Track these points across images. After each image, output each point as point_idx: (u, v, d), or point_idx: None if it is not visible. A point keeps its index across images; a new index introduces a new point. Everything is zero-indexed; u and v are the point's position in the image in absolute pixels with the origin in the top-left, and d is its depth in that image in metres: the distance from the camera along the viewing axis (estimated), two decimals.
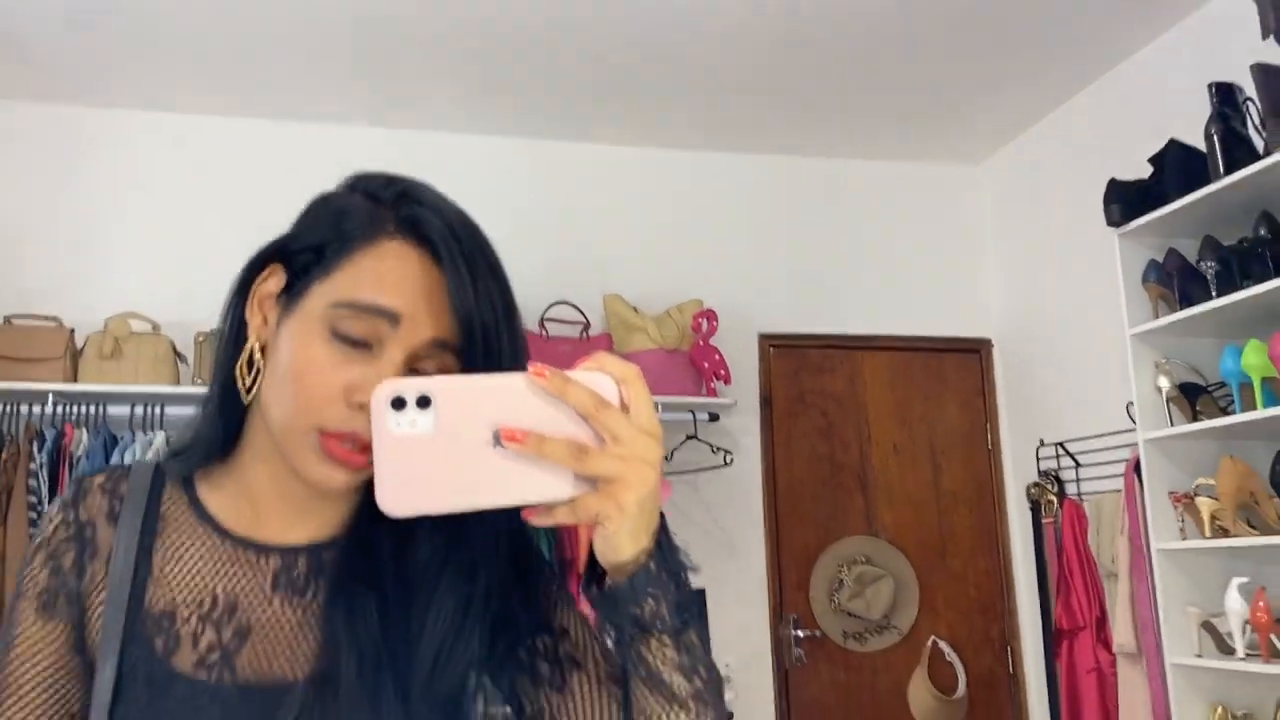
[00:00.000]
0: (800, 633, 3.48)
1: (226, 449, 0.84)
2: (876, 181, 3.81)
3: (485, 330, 0.75)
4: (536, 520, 0.66)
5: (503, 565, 0.78)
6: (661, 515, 0.68)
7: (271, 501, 0.82)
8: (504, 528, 0.77)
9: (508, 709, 0.79)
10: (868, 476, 3.64)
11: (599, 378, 0.66)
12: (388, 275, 0.75)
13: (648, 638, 0.69)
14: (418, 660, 0.76)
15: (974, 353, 3.76)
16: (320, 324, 0.75)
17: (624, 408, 0.66)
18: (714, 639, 3.33)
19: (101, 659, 0.77)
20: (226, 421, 0.82)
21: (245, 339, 0.80)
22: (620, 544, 0.66)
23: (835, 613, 3.53)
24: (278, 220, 2.52)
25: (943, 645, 3.57)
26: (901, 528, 3.62)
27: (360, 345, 0.74)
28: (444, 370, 0.75)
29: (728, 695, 3.19)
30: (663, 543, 0.68)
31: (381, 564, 0.79)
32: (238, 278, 0.82)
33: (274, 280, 0.80)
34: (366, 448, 0.71)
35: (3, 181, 3.16)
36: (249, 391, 0.79)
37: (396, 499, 0.64)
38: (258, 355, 0.79)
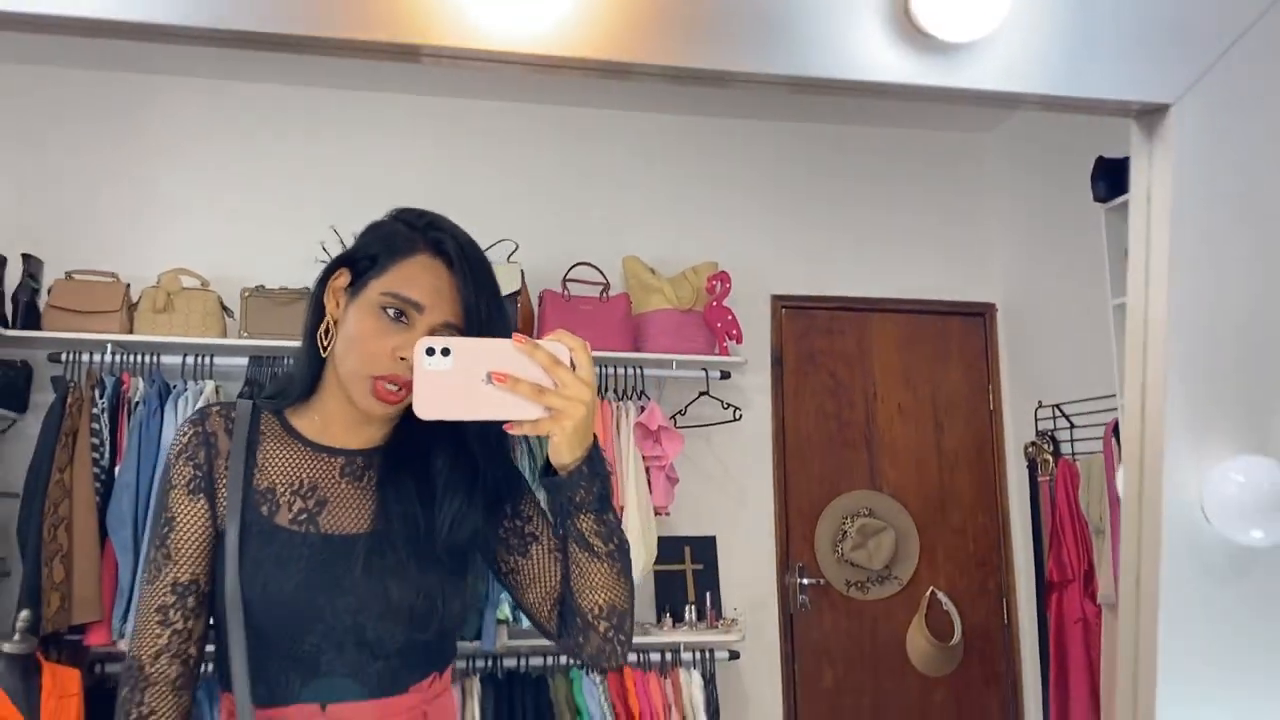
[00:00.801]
0: (805, 580, 3.68)
1: (309, 390, 1.25)
2: (888, 148, 3.94)
3: (480, 315, 1.17)
4: (512, 431, 1.07)
5: (492, 469, 1.20)
6: (595, 436, 1.09)
7: (337, 421, 1.24)
8: (494, 444, 1.20)
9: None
10: (873, 434, 3.82)
11: (558, 345, 1.05)
12: (418, 278, 1.18)
13: (579, 514, 1.11)
14: (439, 524, 1.18)
15: (978, 316, 3.91)
16: (374, 306, 1.17)
17: (571, 366, 1.05)
18: (723, 584, 3.54)
19: (229, 522, 1.17)
20: (311, 371, 1.24)
21: (323, 316, 1.23)
22: (562, 451, 1.07)
23: (839, 563, 3.72)
24: (316, 184, 2.88)
25: (940, 595, 3.75)
26: (904, 483, 3.80)
27: (399, 321, 1.16)
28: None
29: (735, 635, 3.39)
30: (594, 455, 1.09)
31: (412, 462, 1.22)
32: (319, 276, 1.25)
33: (343, 278, 1.22)
34: (403, 386, 1.16)
35: (64, 146, 3.36)
36: (325, 350, 1.22)
37: (426, 409, 1.04)
38: (332, 327, 1.22)
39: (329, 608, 1.15)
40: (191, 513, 1.19)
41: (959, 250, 3.94)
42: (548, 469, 1.11)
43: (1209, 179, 0.71)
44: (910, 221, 3.90)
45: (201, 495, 1.19)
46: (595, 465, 1.09)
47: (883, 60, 0.67)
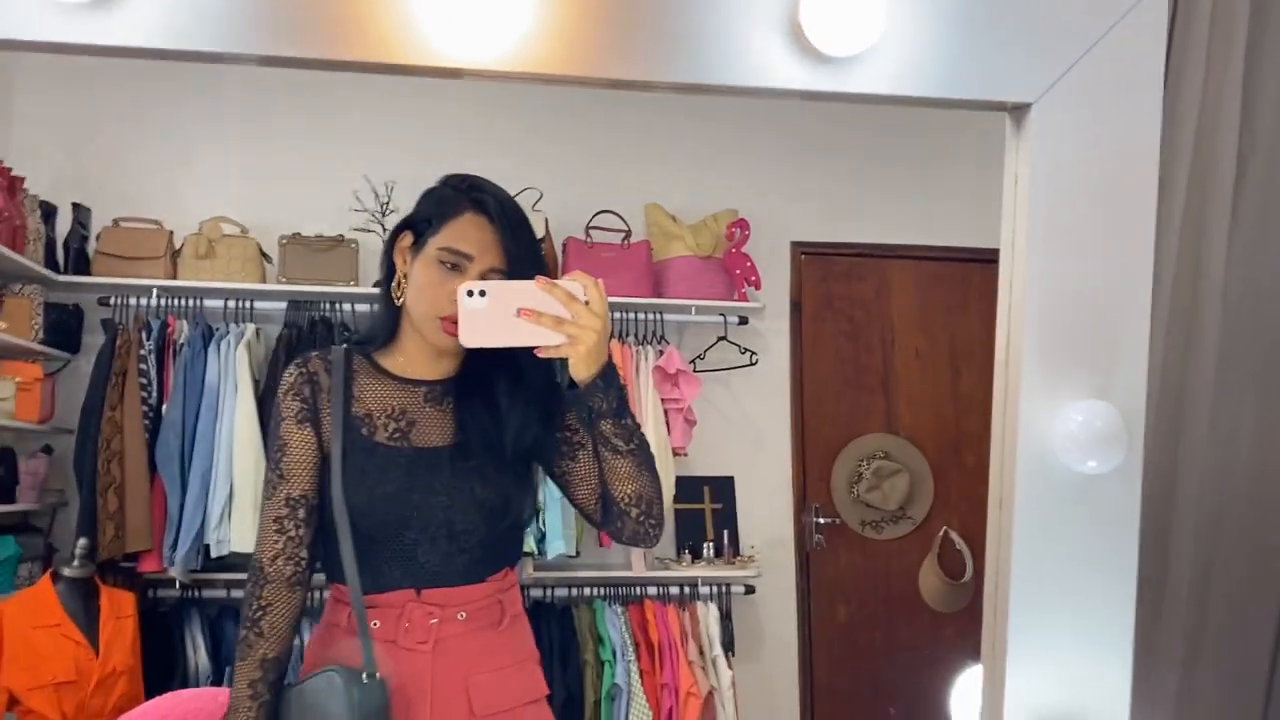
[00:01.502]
0: (821, 520, 3.80)
1: (391, 335, 1.49)
2: None
3: (521, 261, 1.40)
4: (539, 355, 1.31)
5: (543, 391, 1.45)
6: (610, 357, 1.34)
7: (417, 358, 1.48)
8: (542, 371, 1.44)
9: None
10: (889, 378, 3.91)
11: (574, 284, 1.30)
12: (467, 233, 1.41)
13: (601, 420, 1.37)
14: (507, 435, 1.44)
15: (996, 263, 3.96)
16: (433, 260, 1.41)
17: (585, 301, 1.29)
18: (741, 523, 3.68)
19: (333, 444, 1.42)
20: (390, 319, 1.49)
21: (394, 273, 1.47)
22: (579, 369, 1.32)
23: (854, 503, 3.84)
24: (350, 136, 3.03)
25: (953, 535, 3.86)
26: (919, 427, 3.90)
27: (454, 270, 1.40)
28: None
29: (752, 571, 3.54)
30: (608, 371, 1.34)
31: (480, 388, 1.47)
32: (388, 239, 1.50)
33: (406, 239, 1.47)
34: None
35: (108, 99, 3.50)
36: (399, 301, 1.46)
37: (469, 339, 1.30)
38: (403, 281, 1.46)
39: (424, 505, 1.40)
40: (300, 439, 1.43)
41: (978, 198, 3.96)
42: (571, 386, 1.36)
43: (1065, 167, 0.82)
44: (930, 169, 3.94)
45: (308, 424, 1.43)
46: (609, 379, 1.34)
47: (783, 72, 0.78)
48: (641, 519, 1.42)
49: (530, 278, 1.31)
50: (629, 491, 1.40)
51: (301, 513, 1.42)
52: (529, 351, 1.32)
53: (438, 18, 1.03)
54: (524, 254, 1.41)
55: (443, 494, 1.41)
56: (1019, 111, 0.84)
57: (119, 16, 0.94)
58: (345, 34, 0.92)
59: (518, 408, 1.44)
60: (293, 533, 1.41)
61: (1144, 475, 0.96)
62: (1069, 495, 0.81)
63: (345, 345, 1.51)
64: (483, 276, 1.38)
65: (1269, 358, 1.77)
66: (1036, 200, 0.82)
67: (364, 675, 1.34)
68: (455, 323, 1.34)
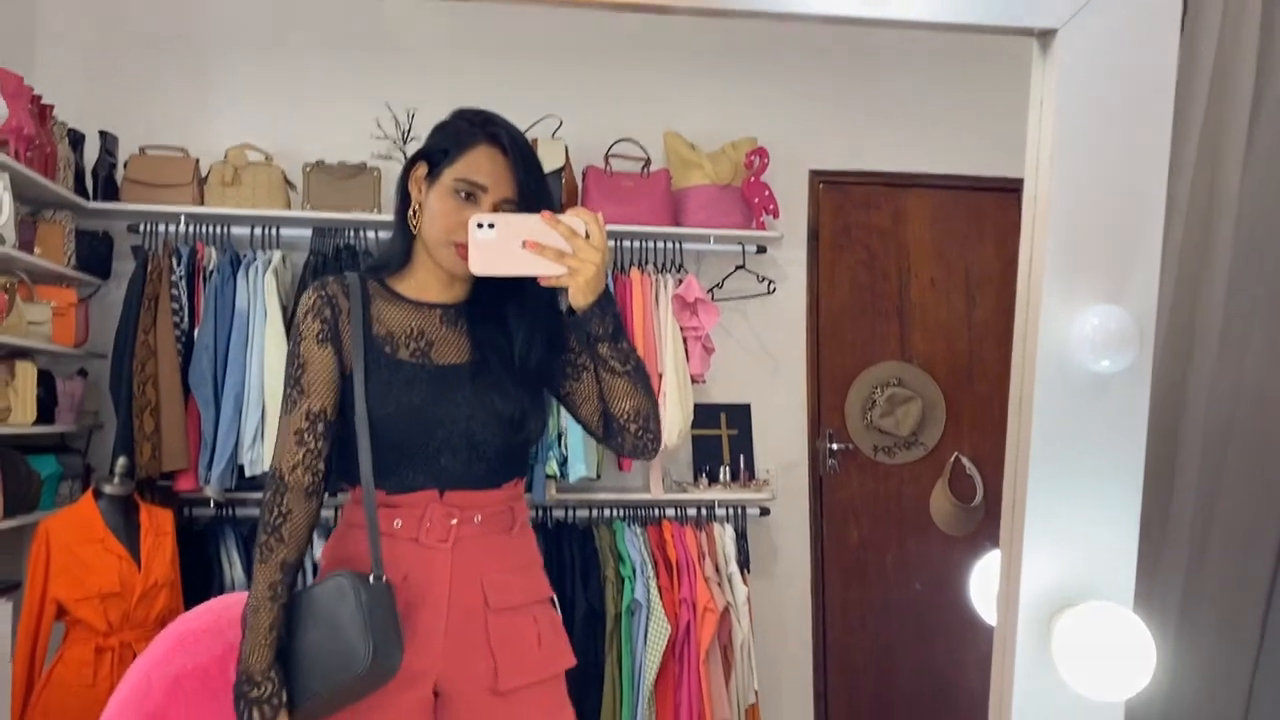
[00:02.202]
0: (835, 445, 3.89)
1: (404, 261, 1.59)
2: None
3: (531, 194, 1.50)
4: (543, 283, 1.42)
5: (549, 315, 1.55)
6: (607, 286, 1.44)
7: (430, 283, 1.58)
8: (547, 297, 1.53)
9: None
10: (905, 307, 3.96)
11: (575, 220, 1.40)
12: (481, 164, 1.50)
13: (598, 342, 1.48)
14: (518, 352, 1.54)
15: (1013, 192, 3.97)
16: (449, 190, 1.50)
17: (586, 235, 1.39)
18: (756, 448, 3.76)
19: (355, 361, 1.51)
20: (404, 246, 1.58)
21: (409, 201, 1.56)
22: (578, 297, 1.43)
23: (867, 429, 3.92)
24: (371, 63, 3.11)
25: (965, 461, 3.95)
26: (933, 354, 3.96)
27: (468, 199, 1.49)
28: (509, 212, 1.49)
29: (767, 494, 3.63)
30: (604, 299, 1.44)
31: (492, 310, 1.57)
32: (403, 169, 1.57)
33: (421, 169, 1.55)
34: None
35: (133, 27, 3.52)
36: (415, 228, 1.55)
37: (478, 267, 1.40)
38: (418, 209, 1.55)
39: (448, 416, 1.51)
40: (320, 357, 1.52)
41: (994, 127, 3.97)
42: (570, 311, 1.47)
43: (1087, 89, 0.87)
44: (948, 98, 3.94)
45: (328, 344, 1.52)
46: (606, 306, 1.45)
47: None
48: (639, 433, 1.53)
49: (538, 211, 1.41)
50: (627, 408, 1.52)
51: (320, 427, 1.50)
52: (534, 279, 1.43)
53: None
54: (534, 187, 1.51)
55: (465, 406, 1.51)
56: (1046, 37, 0.89)
57: None
58: None
59: (524, 329, 1.54)
60: (311, 445, 1.50)
61: (1155, 388, 1.03)
62: (1084, 392, 0.88)
63: (359, 273, 1.59)
64: (495, 207, 1.48)
65: (1276, 285, 1.82)
66: (1060, 121, 0.88)
67: (371, 578, 1.44)
68: (468, 249, 1.43)
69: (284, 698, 1.44)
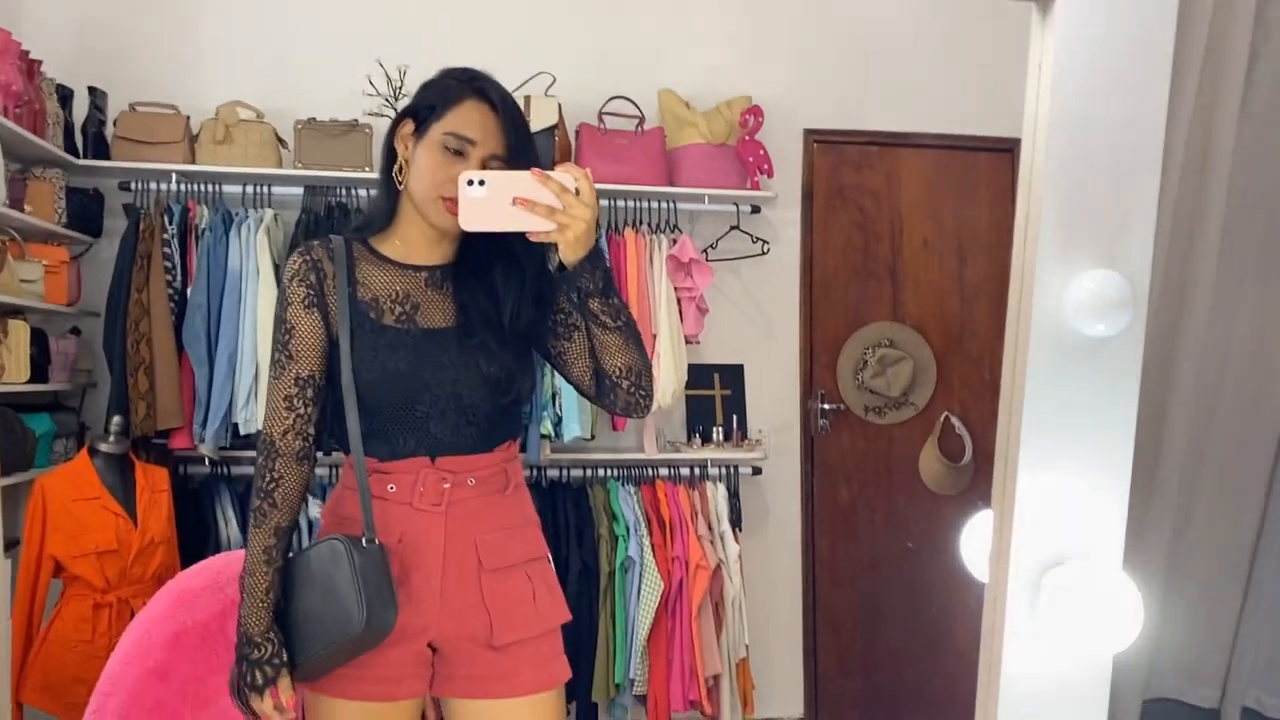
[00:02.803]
0: (826, 405, 3.91)
1: (389, 220, 1.57)
2: None
3: (518, 150, 1.49)
4: (533, 239, 1.41)
5: (537, 275, 1.55)
6: (598, 241, 1.37)
7: (416, 243, 1.57)
8: (535, 256, 1.54)
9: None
10: (897, 267, 3.97)
11: (565, 176, 1.38)
12: (470, 118, 1.49)
13: (590, 299, 1.47)
14: (505, 314, 1.53)
15: (1006, 152, 3.97)
16: (437, 144, 1.49)
17: (576, 192, 1.38)
18: (749, 408, 3.78)
19: (340, 326, 1.51)
20: (389, 203, 1.57)
21: (395, 159, 1.54)
22: (567, 252, 1.42)
23: (859, 389, 3.94)
24: (361, 19, 3.12)
25: (954, 420, 3.98)
26: (925, 315, 3.97)
27: (457, 154, 1.48)
28: (496, 169, 1.48)
29: (760, 454, 3.66)
30: (594, 254, 1.43)
31: (478, 271, 1.56)
32: (390, 127, 1.55)
33: (408, 126, 1.53)
34: None
35: None
36: (401, 185, 1.53)
37: (469, 223, 1.40)
38: (405, 165, 1.53)
39: (434, 380, 1.51)
40: (308, 322, 1.52)
41: (988, 86, 3.96)
42: (560, 267, 1.47)
43: (1085, 54, 0.87)
44: (942, 56, 3.92)
45: (315, 309, 1.52)
46: (596, 261, 1.45)
47: None
48: (632, 390, 1.53)
49: (526, 168, 1.41)
50: (619, 364, 1.51)
51: (309, 392, 1.51)
52: (522, 238, 1.43)
53: None
54: (522, 145, 1.50)
55: (450, 370, 1.50)
56: (1045, 1, 0.90)
57: None
58: None
59: (513, 289, 1.53)
60: (301, 410, 1.51)
61: (1146, 346, 1.04)
62: (1078, 356, 0.90)
63: (345, 236, 1.58)
64: (483, 163, 1.47)
65: (1269, 246, 1.84)
66: (1058, 86, 0.88)
67: (364, 540, 1.46)
68: (457, 203, 1.43)
69: (284, 657, 1.47)
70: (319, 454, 1.59)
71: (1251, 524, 1.88)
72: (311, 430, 1.53)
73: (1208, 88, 1.74)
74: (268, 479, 1.50)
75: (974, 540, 1.12)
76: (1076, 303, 0.86)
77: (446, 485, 1.52)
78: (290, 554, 1.53)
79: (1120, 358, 0.89)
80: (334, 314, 1.52)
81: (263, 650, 1.46)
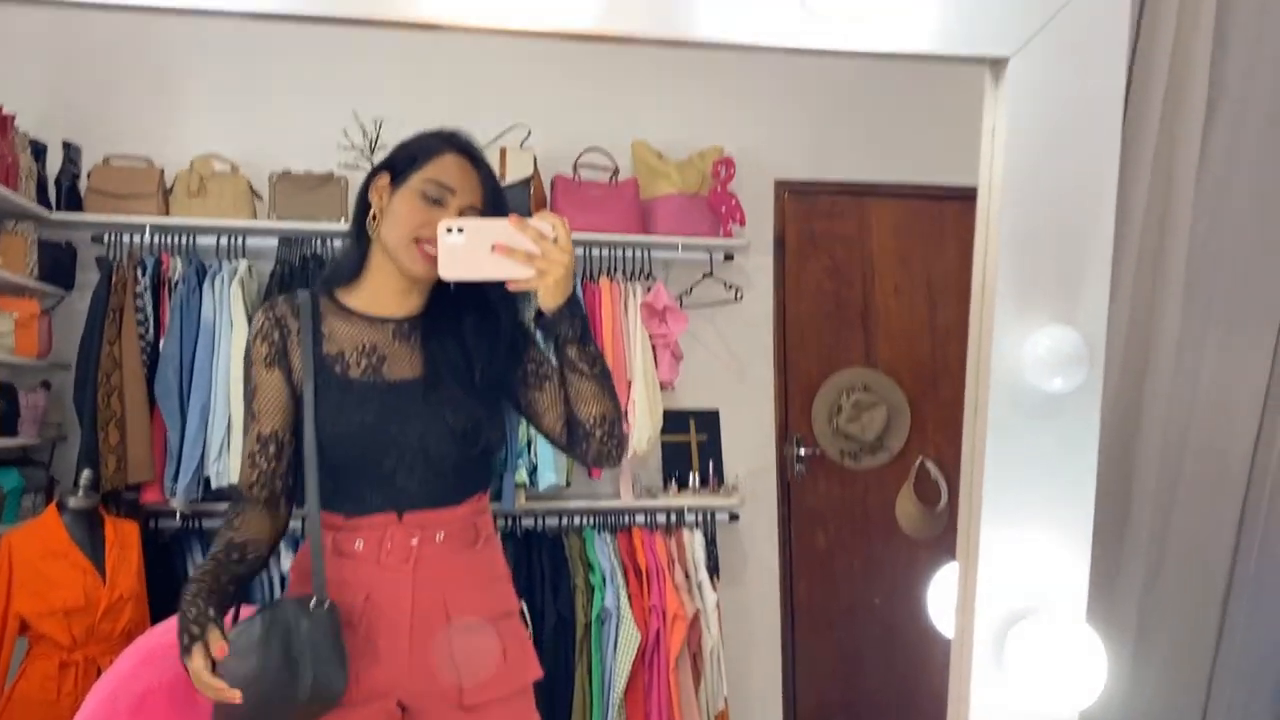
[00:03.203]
0: (802, 451, 3.92)
1: (357, 272, 1.58)
2: None
3: (494, 206, 1.53)
4: (511, 288, 1.41)
5: (510, 326, 1.56)
6: (575, 289, 1.43)
7: (384, 294, 1.57)
8: (508, 306, 1.54)
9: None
10: (869, 313, 4.01)
11: (543, 223, 1.40)
12: (451, 169, 1.53)
13: (567, 345, 1.47)
14: (475, 365, 1.54)
15: (973, 200, 4.02)
16: (416, 192, 1.51)
17: (554, 239, 1.39)
18: (725, 454, 3.79)
19: (305, 382, 1.51)
20: (359, 254, 1.58)
21: (368, 209, 1.56)
22: (546, 300, 1.42)
23: (834, 434, 3.96)
24: (338, 72, 3.11)
25: (929, 464, 3.99)
26: (898, 360, 4.01)
27: (436, 203, 1.50)
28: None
29: (736, 500, 3.66)
30: (573, 302, 1.43)
31: (447, 322, 1.56)
32: (365, 179, 1.58)
33: (384, 178, 1.56)
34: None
35: (96, 36, 3.47)
36: (373, 235, 1.55)
37: (447, 271, 1.39)
38: (378, 214, 1.55)
39: (401, 433, 1.50)
40: (270, 381, 1.54)
41: (955, 136, 4.01)
42: (538, 315, 1.48)
43: (1038, 116, 0.90)
44: (909, 108, 3.98)
45: (276, 367, 1.53)
46: (574, 309, 1.46)
47: (782, 30, 0.85)
48: (605, 439, 1.53)
49: (504, 215, 1.43)
50: (594, 412, 1.51)
51: (272, 448, 1.53)
52: (495, 288, 1.45)
53: None
54: (497, 200, 1.55)
55: (418, 422, 1.50)
56: (998, 65, 0.92)
57: None
58: None
59: (485, 340, 1.55)
60: (264, 466, 1.54)
61: (1113, 404, 1.06)
62: (1036, 411, 0.92)
63: (310, 289, 1.60)
64: (461, 213, 1.50)
65: (1231, 296, 1.87)
66: (1012, 146, 0.91)
67: (313, 603, 1.44)
68: (431, 246, 1.46)
69: (210, 615, 1.40)
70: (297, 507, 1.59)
71: (1221, 575, 1.89)
72: (279, 483, 1.55)
73: (1166, 141, 1.78)
74: (233, 515, 1.55)
75: (940, 595, 1.12)
76: (1034, 359, 0.88)
77: (414, 541, 1.51)
78: (245, 607, 1.52)
79: (1079, 413, 0.90)
80: (298, 371, 1.53)
81: (188, 612, 1.40)
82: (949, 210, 4.04)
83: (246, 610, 1.53)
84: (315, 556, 1.48)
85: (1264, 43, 1.81)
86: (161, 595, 3.01)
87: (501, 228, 1.39)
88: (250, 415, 1.54)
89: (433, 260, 1.47)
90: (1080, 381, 0.90)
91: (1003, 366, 0.89)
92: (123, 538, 2.85)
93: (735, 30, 0.89)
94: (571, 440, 1.56)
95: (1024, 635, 0.91)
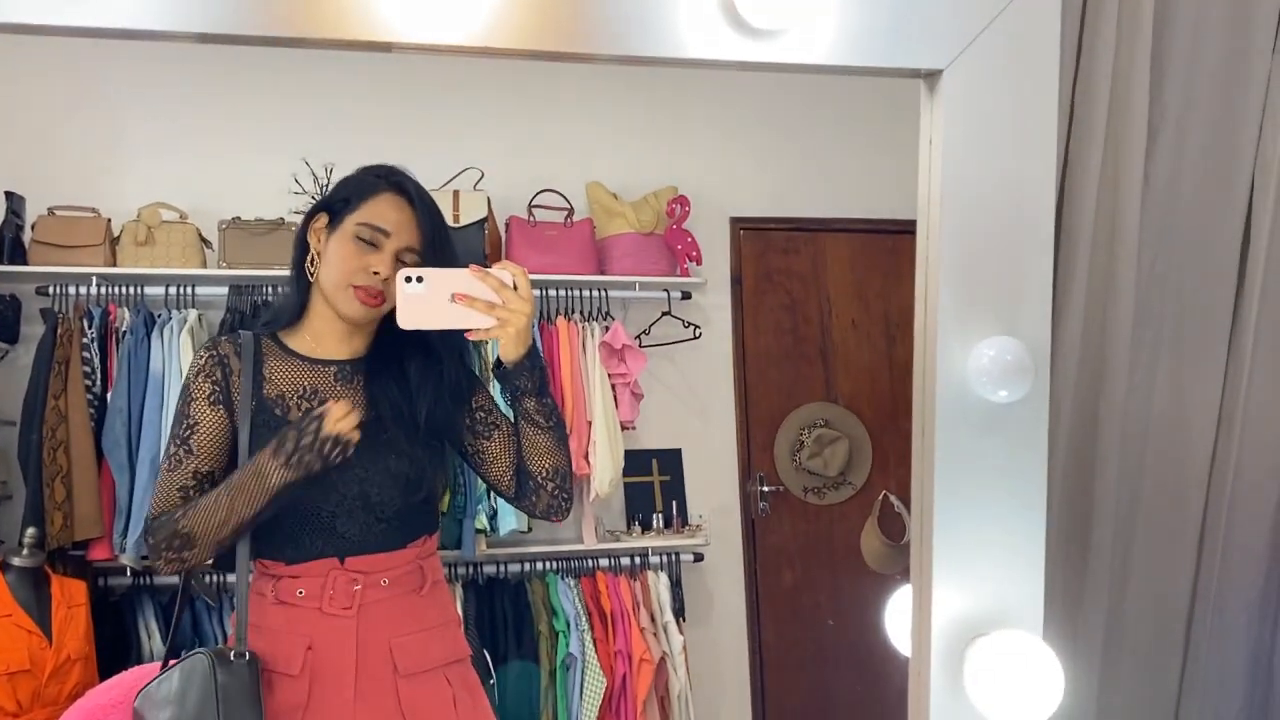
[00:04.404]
0: (765, 488, 3.90)
1: (299, 314, 1.56)
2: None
3: (434, 244, 1.50)
4: (471, 337, 1.41)
5: (453, 370, 1.54)
6: (535, 338, 1.37)
7: (326, 337, 1.55)
8: (453, 351, 1.53)
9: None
10: (828, 349, 4.02)
11: (504, 272, 1.40)
12: (385, 212, 1.50)
13: (524, 396, 1.47)
14: (418, 410, 1.51)
15: None
16: (350, 235, 1.49)
17: (515, 287, 1.39)
18: (689, 493, 3.76)
19: (241, 424, 1.48)
20: (300, 297, 1.56)
21: (307, 251, 1.54)
22: (508, 349, 1.43)
23: (797, 470, 3.94)
24: (286, 117, 3.07)
25: (893, 498, 3.98)
26: (858, 394, 4.01)
27: (370, 245, 1.48)
28: (410, 262, 1.49)
29: (700, 540, 3.63)
30: (533, 352, 1.44)
31: (391, 366, 1.54)
32: (302, 221, 1.57)
33: (322, 220, 1.54)
34: (375, 295, 1.48)
35: (38, 85, 3.44)
36: (312, 277, 1.53)
37: (407, 321, 1.37)
38: (317, 258, 1.53)
39: (341, 479, 1.47)
40: (212, 419, 1.50)
41: (907, 171, 4.08)
42: (499, 365, 1.47)
43: (973, 127, 0.90)
44: (860, 144, 4.01)
45: (220, 405, 1.50)
46: (534, 359, 1.46)
47: (716, 44, 0.85)
48: (556, 492, 1.53)
49: (449, 261, 1.45)
50: (547, 465, 1.51)
51: (206, 486, 1.48)
52: (441, 333, 1.45)
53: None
54: (438, 237, 1.51)
55: (358, 468, 1.47)
56: (932, 77, 0.93)
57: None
58: (308, 12, 0.96)
59: (429, 384, 1.52)
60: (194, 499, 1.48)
61: (1069, 424, 1.05)
62: (984, 423, 0.91)
63: (253, 331, 1.57)
64: (398, 254, 1.48)
65: (1179, 317, 1.89)
66: (948, 157, 0.91)
67: (233, 654, 1.40)
68: (370, 292, 1.46)
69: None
70: None
71: (1184, 593, 1.89)
72: None
73: (1110, 162, 1.80)
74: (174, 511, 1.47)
75: (897, 615, 1.10)
76: (978, 370, 0.87)
77: (358, 587, 1.47)
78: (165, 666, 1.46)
79: (1026, 423, 0.89)
80: (236, 411, 1.50)
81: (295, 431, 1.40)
82: (903, 244, 4.02)
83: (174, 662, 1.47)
84: (239, 601, 1.44)
85: (1199, 68, 1.85)
86: (111, 656, 2.92)
87: (462, 277, 1.38)
88: (185, 452, 1.48)
89: (371, 303, 1.48)
90: (1026, 391, 0.89)
91: (948, 379, 0.88)
92: (69, 596, 2.77)
93: (660, 44, 0.89)
94: (520, 492, 1.55)
95: (981, 653, 0.89)
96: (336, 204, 1.53)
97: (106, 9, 0.95)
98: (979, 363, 0.89)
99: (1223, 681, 1.87)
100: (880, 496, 3.99)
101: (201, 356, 1.53)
